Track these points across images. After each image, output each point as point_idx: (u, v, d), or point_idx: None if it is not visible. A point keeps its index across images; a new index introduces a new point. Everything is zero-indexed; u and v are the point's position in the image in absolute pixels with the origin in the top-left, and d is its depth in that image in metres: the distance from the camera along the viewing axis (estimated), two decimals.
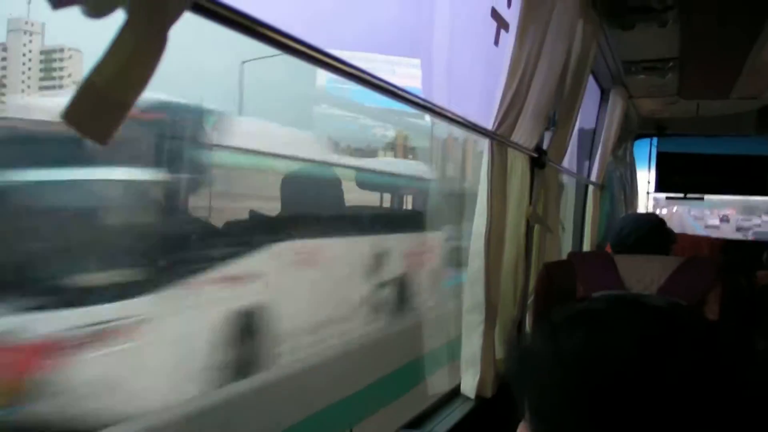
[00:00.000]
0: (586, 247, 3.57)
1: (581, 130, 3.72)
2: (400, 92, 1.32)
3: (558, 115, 2.39)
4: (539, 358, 0.74)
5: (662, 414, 0.66)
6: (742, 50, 2.73)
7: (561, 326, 0.74)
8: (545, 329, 0.75)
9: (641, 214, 2.92)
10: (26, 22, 7.40)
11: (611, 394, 0.67)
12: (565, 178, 3.29)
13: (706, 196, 4.77)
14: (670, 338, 0.71)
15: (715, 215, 45.57)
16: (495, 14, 1.81)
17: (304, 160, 4.93)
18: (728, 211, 45.46)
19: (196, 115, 3.73)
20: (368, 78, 1.17)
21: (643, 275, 1.85)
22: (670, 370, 0.68)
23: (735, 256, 2.79)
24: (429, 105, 1.51)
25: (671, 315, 0.75)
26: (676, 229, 3.18)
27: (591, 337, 0.71)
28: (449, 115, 1.59)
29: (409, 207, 7.08)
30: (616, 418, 0.67)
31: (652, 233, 2.32)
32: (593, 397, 0.68)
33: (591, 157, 3.72)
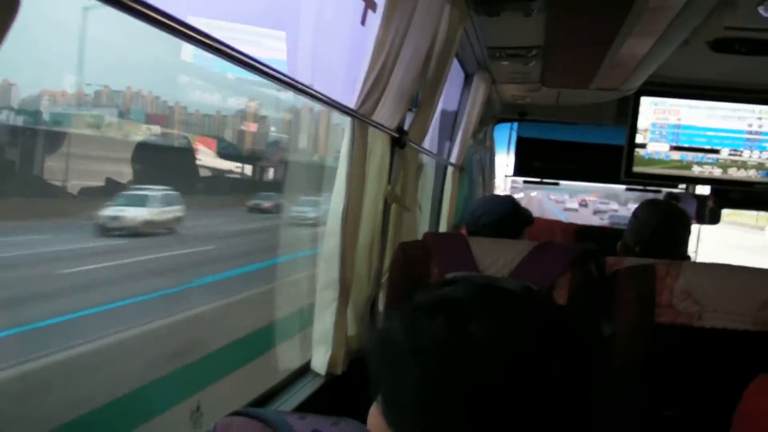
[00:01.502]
0: (443, 228, 3.71)
1: (444, 112, 3.83)
2: (260, 66, 1.33)
3: (421, 97, 2.47)
4: (396, 346, 0.79)
5: (518, 402, 0.72)
6: (604, 44, 2.88)
7: (419, 314, 0.79)
8: (404, 317, 0.81)
9: (496, 197, 3.05)
10: None
11: (466, 381, 0.73)
12: (425, 159, 3.39)
13: (570, 182, 5.00)
14: (524, 324, 0.77)
15: (575, 200, 48.13)
16: None
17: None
18: (589, 197, 48.08)
19: None
20: (227, 51, 1.18)
21: (497, 258, 1.97)
22: (522, 357, 0.74)
23: (588, 242, 2.98)
24: (291, 81, 1.53)
25: (525, 300, 0.81)
26: (535, 213, 3.35)
27: (451, 326, 0.76)
28: (312, 92, 1.62)
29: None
30: (471, 403, 0.72)
31: (506, 216, 2.46)
32: (448, 382, 0.74)
33: (452, 139, 3.86)
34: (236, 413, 0.88)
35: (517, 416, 0.73)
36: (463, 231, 3.36)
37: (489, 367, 0.73)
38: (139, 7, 0.89)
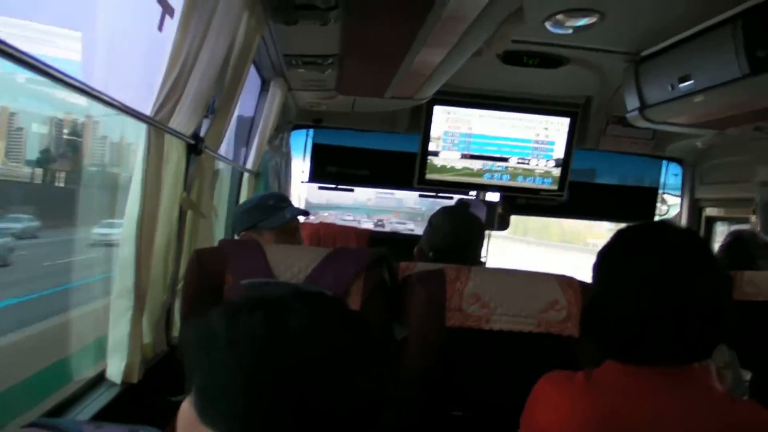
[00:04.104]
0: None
1: (240, 118, 3.91)
2: (49, 70, 1.33)
3: (217, 104, 2.55)
4: (215, 337, 0.86)
5: (329, 394, 0.81)
6: (399, 53, 3.04)
7: (239, 309, 0.88)
8: (224, 312, 0.88)
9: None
10: None
11: (283, 371, 0.81)
12: (221, 165, 3.46)
13: (371, 202, 5.19)
14: (335, 321, 0.87)
15: (371, 219, 49.22)
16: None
17: None
18: (389, 217, 49.32)
19: None
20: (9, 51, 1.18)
21: (291, 265, 2.03)
22: (336, 350, 0.84)
23: (381, 247, 3.16)
24: (84, 87, 1.55)
25: (320, 304, 0.92)
26: (330, 218, 3.50)
27: (269, 320, 0.84)
28: (106, 98, 1.65)
29: None
30: (287, 391, 0.80)
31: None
32: (264, 372, 0.81)
33: (248, 145, 3.94)
34: (31, 424, 0.90)
35: (326, 405, 0.82)
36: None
37: (305, 357, 0.82)
38: None
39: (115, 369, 1.97)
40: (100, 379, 1.99)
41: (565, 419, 1.33)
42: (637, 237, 1.40)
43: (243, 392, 0.82)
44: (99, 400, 1.88)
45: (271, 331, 0.84)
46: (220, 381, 0.84)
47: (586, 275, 1.65)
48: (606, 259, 1.43)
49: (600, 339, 1.39)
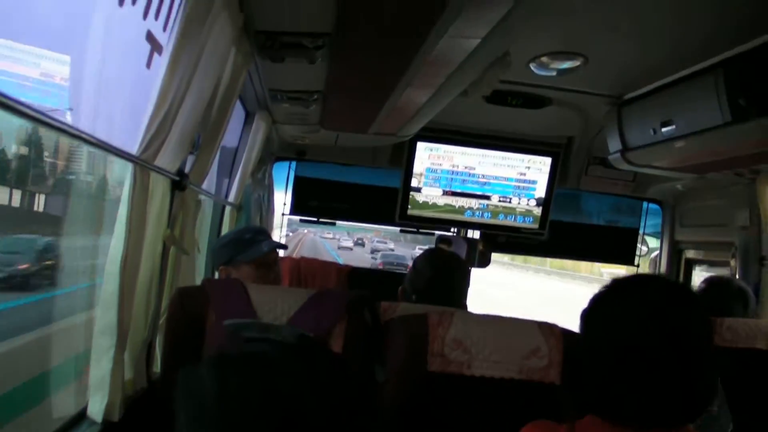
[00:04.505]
0: None
1: (223, 150, 3.90)
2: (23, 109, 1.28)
3: (202, 139, 2.56)
4: (201, 394, 0.88)
5: None
6: (384, 92, 3.08)
7: (227, 366, 0.90)
8: (211, 366, 0.90)
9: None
10: None
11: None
12: (203, 198, 3.46)
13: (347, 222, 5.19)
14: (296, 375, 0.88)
15: (351, 238, 49.48)
16: (150, 37, 1.90)
17: None
18: (369, 236, 49.61)
19: None
20: None
21: (274, 306, 2.07)
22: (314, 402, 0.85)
23: (361, 285, 3.14)
24: (68, 128, 1.56)
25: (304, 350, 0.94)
26: (309, 252, 3.52)
27: (262, 378, 0.86)
28: (91, 139, 1.67)
29: None
30: None
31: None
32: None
33: (230, 178, 3.96)
34: None
35: None
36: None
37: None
38: None
39: (97, 407, 1.95)
40: (81, 417, 1.98)
41: None
42: (625, 292, 1.38)
43: None
44: None
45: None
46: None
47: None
48: (594, 313, 1.40)
49: (586, 395, 1.36)
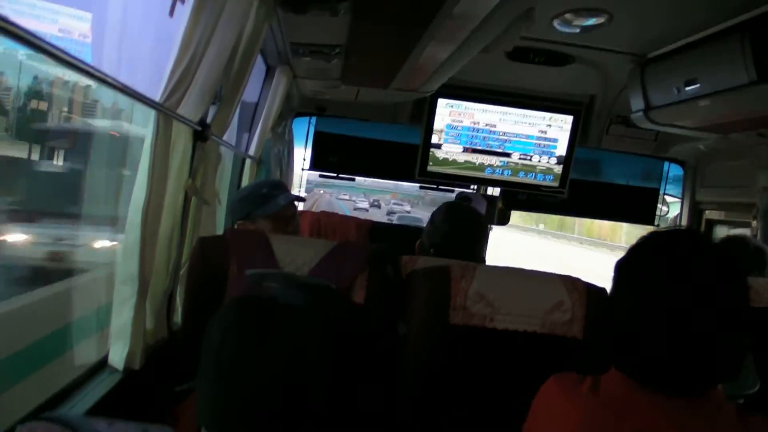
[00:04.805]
0: None
1: (244, 105, 3.91)
2: (57, 52, 1.30)
3: (224, 91, 2.56)
4: (222, 335, 0.87)
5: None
6: (406, 48, 3.05)
7: (249, 308, 0.89)
8: (234, 307, 0.90)
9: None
10: None
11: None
12: (224, 151, 3.47)
13: (369, 181, 5.19)
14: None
15: (367, 199, 49.38)
16: None
17: None
18: (386, 197, 49.48)
19: None
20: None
21: (296, 256, 2.07)
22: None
23: (382, 239, 3.12)
24: (93, 71, 1.54)
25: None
26: (326, 210, 3.50)
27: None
28: (114, 83, 1.65)
29: None
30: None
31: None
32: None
33: (251, 132, 3.96)
34: (40, 418, 0.89)
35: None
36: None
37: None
38: None
39: (118, 355, 1.98)
40: (103, 365, 2.01)
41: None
42: (661, 247, 1.30)
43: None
44: (101, 386, 1.88)
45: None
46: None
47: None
48: (626, 272, 1.33)
49: (611, 351, 1.32)
